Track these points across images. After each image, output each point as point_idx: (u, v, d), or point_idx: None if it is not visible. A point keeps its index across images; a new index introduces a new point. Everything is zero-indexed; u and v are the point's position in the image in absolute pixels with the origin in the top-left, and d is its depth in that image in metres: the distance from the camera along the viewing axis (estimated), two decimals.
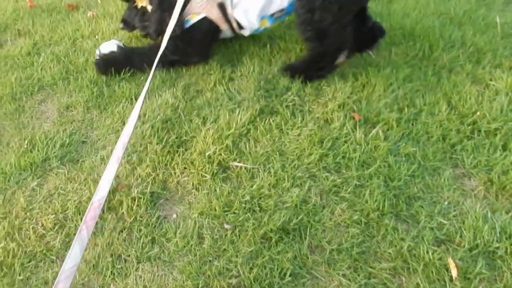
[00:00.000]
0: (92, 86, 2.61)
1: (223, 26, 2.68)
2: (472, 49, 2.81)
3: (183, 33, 2.59)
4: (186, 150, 2.16)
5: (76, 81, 2.67)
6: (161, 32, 2.55)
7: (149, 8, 2.55)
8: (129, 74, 2.70)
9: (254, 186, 1.95)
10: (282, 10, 2.61)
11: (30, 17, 3.40)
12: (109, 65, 2.69)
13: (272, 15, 2.62)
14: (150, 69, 2.58)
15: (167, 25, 2.44)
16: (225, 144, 2.14)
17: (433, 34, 2.93)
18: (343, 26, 2.45)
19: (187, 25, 2.62)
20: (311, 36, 2.48)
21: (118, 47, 2.70)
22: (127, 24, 2.83)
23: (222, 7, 2.59)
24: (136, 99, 2.51)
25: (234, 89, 2.55)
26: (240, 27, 2.66)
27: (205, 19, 2.62)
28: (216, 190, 1.94)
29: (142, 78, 2.68)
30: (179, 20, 2.51)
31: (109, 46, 2.70)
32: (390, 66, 2.65)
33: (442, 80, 2.57)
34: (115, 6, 3.49)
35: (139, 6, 2.60)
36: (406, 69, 2.64)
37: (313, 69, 2.57)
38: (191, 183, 2.00)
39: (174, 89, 2.56)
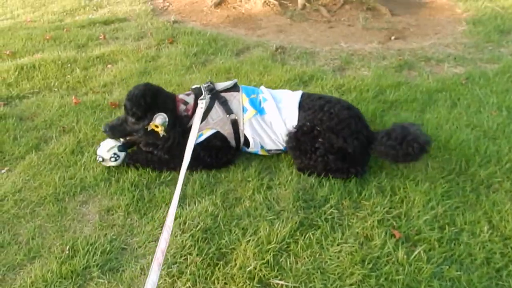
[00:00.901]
0: (132, 189, 2.66)
1: (231, 141, 2.90)
2: (508, 165, 2.83)
3: (201, 145, 2.81)
4: (226, 263, 2.15)
5: (117, 183, 2.72)
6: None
7: (162, 134, 2.76)
8: (169, 178, 2.76)
9: None
10: (280, 150, 2.92)
11: (75, 114, 3.54)
12: (140, 162, 2.85)
13: (269, 150, 2.92)
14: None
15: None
16: (265, 259, 2.13)
17: (468, 148, 2.97)
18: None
19: (201, 138, 2.82)
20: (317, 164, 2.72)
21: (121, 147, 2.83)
22: (113, 131, 2.91)
23: (235, 124, 2.84)
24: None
25: (273, 198, 2.58)
26: (246, 144, 2.90)
27: (217, 133, 2.84)
28: None
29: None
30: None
31: (109, 151, 2.79)
32: (428, 180, 2.67)
33: (481, 197, 2.57)
34: None
35: (149, 129, 2.77)
36: (444, 184, 2.65)
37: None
38: None
39: (214, 196, 2.59)
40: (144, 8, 6.55)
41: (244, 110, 2.83)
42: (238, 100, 2.86)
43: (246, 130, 2.84)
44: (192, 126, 2.72)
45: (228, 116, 2.83)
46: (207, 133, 2.84)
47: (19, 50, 4.92)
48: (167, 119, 2.76)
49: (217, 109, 2.84)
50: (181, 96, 2.93)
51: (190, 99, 2.89)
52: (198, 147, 2.81)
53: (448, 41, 5.31)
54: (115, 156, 2.77)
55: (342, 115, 2.71)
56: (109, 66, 4.53)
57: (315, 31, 5.71)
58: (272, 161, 2.92)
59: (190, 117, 2.84)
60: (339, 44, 5.24)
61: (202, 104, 2.80)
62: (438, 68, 4.51)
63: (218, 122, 2.83)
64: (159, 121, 2.73)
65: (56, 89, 4.02)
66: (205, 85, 2.90)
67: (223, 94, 2.90)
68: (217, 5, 6.60)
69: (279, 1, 6.47)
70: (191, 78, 4.14)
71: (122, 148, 2.80)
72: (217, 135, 2.84)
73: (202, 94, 2.87)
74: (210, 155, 2.82)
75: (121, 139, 2.91)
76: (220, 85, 2.96)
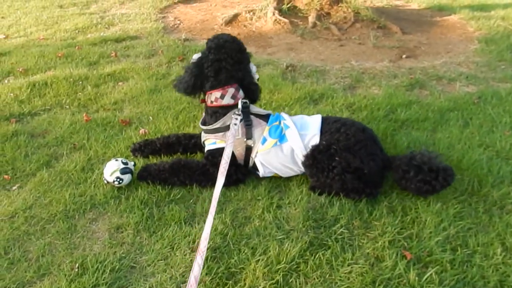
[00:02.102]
0: (142, 207, 2.66)
1: (239, 161, 2.91)
2: None
3: (211, 154, 2.88)
4: (235, 283, 2.13)
5: (127, 201, 2.72)
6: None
7: None
8: (179, 196, 2.76)
9: None
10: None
11: (86, 131, 3.56)
12: (152, 176, 2.86)
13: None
14: (192, 185, 2.86)
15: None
16: (275, 280, 2.12)
17: (481, 168, 2.94)
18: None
19: (213, 145, 2.87)
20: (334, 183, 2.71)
21: (128, 168, 2.82)
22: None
23: (248, 149, 2.85)
24: (185, 223, 2.54)
25: (283, 217, 2.57)
26: (255, 168, 2.90)
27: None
28: None
29: (192, 200, 2.74)
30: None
31: (112, 175, 2.79)
32: (439, 200, 2.64)
33: (494, 218, 2.54)
34: (166, 124, 3.63)
35: None
36: (456, 205, 2.62)
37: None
38: None
39: (223, 215, 2.58)
40: (155, 26, 6.62)
41: (263, 140, 2.82)
42: (262, 129, 2.84)
43: (260, 158, 2.83)
44: (226, 145, 2.68)
45: (245, 140, 2.83)
46: (220, 145, 2.84)
47: (31, 67, 4.99)
48: (193, 59, 2.90)
49: (239, 129, 2.82)
50: (231, 89, 2.86)
51: (228, 99, 2.85)
52: (208, 162, 2.85)
53: (460, 59, 5.30)
54: (118, 180, 2.76)
55: (358, 137, 2.71)
56: (120, 83, 4.56)
57: (325, 49, 5.73)
58: (282, 180, 2.90)
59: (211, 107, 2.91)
60: (350, 63, 5.25)
61: (236, 121, 2.77)
62: (450, 87, 4.50)
63: (235, 140, 2.81)
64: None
65: (67, 106, 4.06)
66: (242, 101, 2.87)
67: (252, 117, 2.87)
68: (228, 23, 6.66)
69: (289, 19, 6.51)
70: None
71: (125, 170, 2.78)
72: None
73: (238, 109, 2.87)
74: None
75: (123, 161, 2.84)
76: (254, 109, 2.94)
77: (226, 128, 2.81)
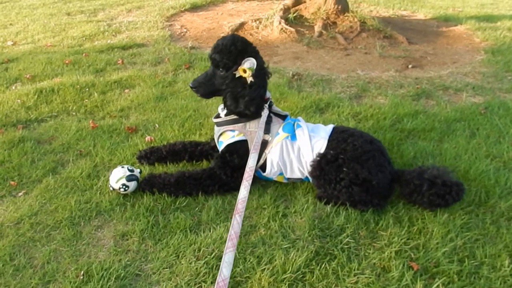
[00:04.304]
0: (148, 215, 2.65)
1: None
2: None
3: (229, 149, 2.84)
4: None
5: (132, 208, 2.72)
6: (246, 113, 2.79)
7: (249, 80, 2.74)
8: (184, 203, 2.75)
9: None
10: (299, 179, 2.92)
11: (92, 138, 3.56)
12: (156, 187, 2.85)
13: (288, 178, 2.91)
14: (199, 194, 2.83)
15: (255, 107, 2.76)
16: None
17: (488, 179, 2.93)
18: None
19: (232, 140, 2.84)
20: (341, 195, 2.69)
21: (134, 175, 2.81)
22: (200, 87, 2.87)
23: (263, 144, 2.82)
24: (190, 231, 2.52)
25: (288, 226, 2.55)
26: (262, 168, 2.88)
27: (245, 142, 2.83)
28: None
29: (197, 208, 2.73)
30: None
31: (118, 182, 2.78)
32: (446, 211, 2.63)
33: (501, 229, 2.52)
34: (172, 131, 3.64)
35: (237, 75, 2.76)
36: (463, 216, 2.61)
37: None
38: None
39: (228, 223, 2.57)
40: (162, 34, 6.65)
41: (276, 135, 2.83)
42: (278, 127, 2.86)
43: (271, 153, 2.82)
44: (259, 128, 2.69)
45: (263, 134, 2.81)
46: (238, 138, 2.83)
47: (38, 74, 5.02)
48: (255, 64, 2.73)
49: (258, 123, 2.81)
50: None
51: (268, 93, 2.91)
52: (216, 165, 2.86)
53: (466, 70, 5.30)
54: (124, 187, 2.76)
55: (365, 148, 2.70)
56: (126, 90, 4.58)
57: (331, 59, 5.74)
58: (287, 189, 2.90)
59: None
60: (356, 72, 5.25)
61: (266, 111, 2.83)
62: (456, 97, 4.49)
63: (253, 132, 2.81)
64: (247, 65, 2.72)
65: (74, 113, 4.07)
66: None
67: (272, 115, 2.89)
68: (234, 31, 6.67)
69: (295, 28, 6.53)
70: (208, 103, 4.15)
71: (131, 177, 2.78)
72: (242, 146, 2.82)
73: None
74: (225, 174, 2.83)
75: (129, 168, 2.84)
76: (275, 108, 2.97)
77: (248, 119, 2.83)
